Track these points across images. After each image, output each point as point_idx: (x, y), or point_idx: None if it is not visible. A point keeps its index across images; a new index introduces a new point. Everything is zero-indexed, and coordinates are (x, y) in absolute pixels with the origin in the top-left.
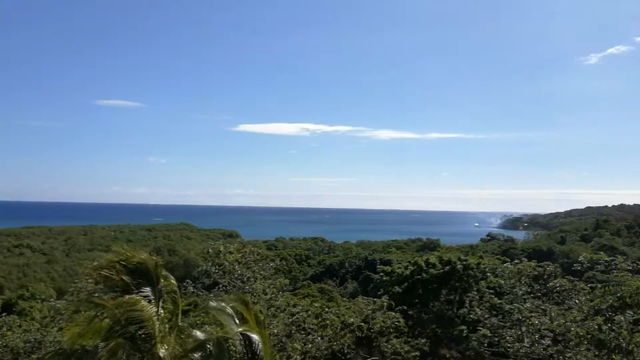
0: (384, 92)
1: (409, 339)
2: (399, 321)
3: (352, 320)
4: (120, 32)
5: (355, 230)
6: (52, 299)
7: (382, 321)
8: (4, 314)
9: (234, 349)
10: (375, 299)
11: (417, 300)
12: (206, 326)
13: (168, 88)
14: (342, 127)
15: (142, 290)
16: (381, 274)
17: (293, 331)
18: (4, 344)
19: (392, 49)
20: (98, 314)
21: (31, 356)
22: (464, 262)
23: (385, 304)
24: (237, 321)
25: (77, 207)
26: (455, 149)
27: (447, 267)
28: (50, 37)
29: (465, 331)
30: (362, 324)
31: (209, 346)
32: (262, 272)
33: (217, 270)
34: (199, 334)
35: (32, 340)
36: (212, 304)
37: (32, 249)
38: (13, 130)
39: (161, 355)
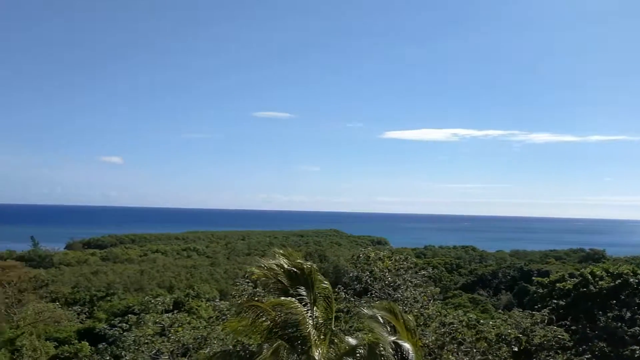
0: (538, 93)
1: (573, 356)
2: (562, 335)
3: (510, 331)
4: (275, 47)
5: (507, 238)
6: (216, 299)
7: (544, 335)
8: (175, 311)
9: (385, 357)
10: (533, 312)
11: (582, 315)
12: (357, 332)
13: (317, 99)
14: (493, 131)
15: (299, 293)
16: (539, 285)
17: (446, 342)
18: (176, 338)
19: (543, 46)
20: (259, 315)
21: (199, 351)
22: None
23: (545, 317)
24: (389, 329)
25: (236, 214)
26: (619, 152)
27: (618, 281)
28: (210, 60)
29: (638, 352)
30: (521, 335)
31: (360, 351)
32: (412, 280)
33: (367, 277)
34: (351, 339)
35: (200, 337)
36: (365, 310)
37: (197, 252)
38: (175, 144)
39: (316, 357)
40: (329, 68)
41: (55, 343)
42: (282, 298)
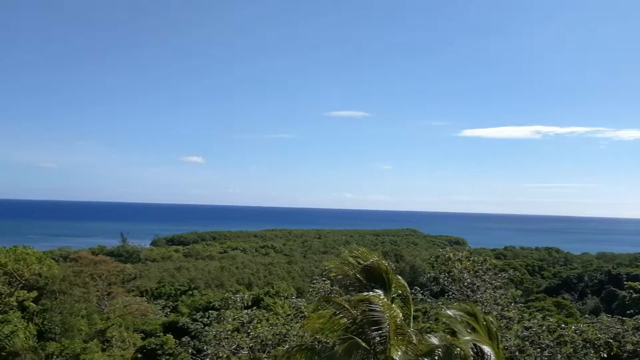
0: (625, 87)
1: None
2: None
3: (600, 335)
4: (350, 47)
5: (593, 240)
6: (293, 297)
7: (637, 341)
8: (254, 308)
9: (463, 359)
10: (623, 318)
11: None
12: (435, 333)
13: (393, 97)
14: (577, 128)
15: (375, 291)
16: (630, 290)
17: (527, 346)
18: (255, 334)
19: (631, 39)
20: (336, 312)
21: (277, 348)
22: None
23: (639, 324)
24: (468, 330)
25: (311, 213)
26: None
27: None
28: (285, 61)
29: None
30: (612, 341)
31: (439, 353)
32: (492, 282)
33: (446, 278)
34: (432, 339)
35: (278, 333)
36: (444, 311)
37: (275, 250)
38: (251, 144)
39: (395, 358)
40: (405, 66)
41: (142, 335)
42: (366, 293)
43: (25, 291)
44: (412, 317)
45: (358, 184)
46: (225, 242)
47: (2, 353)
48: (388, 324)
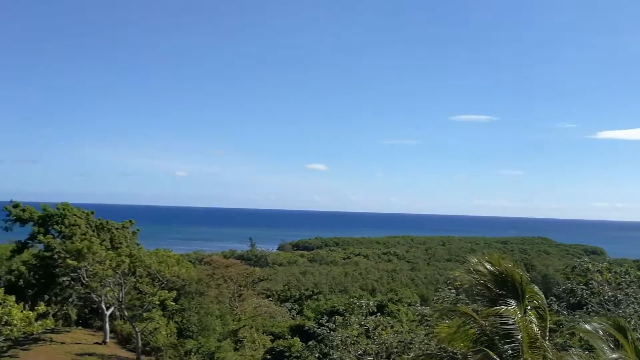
0: None
1: None
2: None
3: None
4: (472, 50)
5: None
6: (417, 304)
7: None
8: (378, 314)
9: None
10: None
11: None
12: (572, 349)
13: (521, 100)
14: None
15: (507, 302)
16: None
17: None
18: (381, 341)
19: None
20: (465, 322)
21: (402, 356)
22: None
23: None
24: (612, 347)
25: (435, 219)
26: None
27: None
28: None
29: None
30: None
31: None
32: (637, 296)
33: (584, 290)
34: (572, 356)
35: (403, 340)
36: (583, 325)
37: (398, 257)
38: (374, 150)
39: None
40: (531, 68)
41: (271, 336)
42: (499, 307)
43: (166, 291)
44: (548, 330)
45: (483, 190)
46: (348, 248)
47: (147, 348)
48: (521, 337)
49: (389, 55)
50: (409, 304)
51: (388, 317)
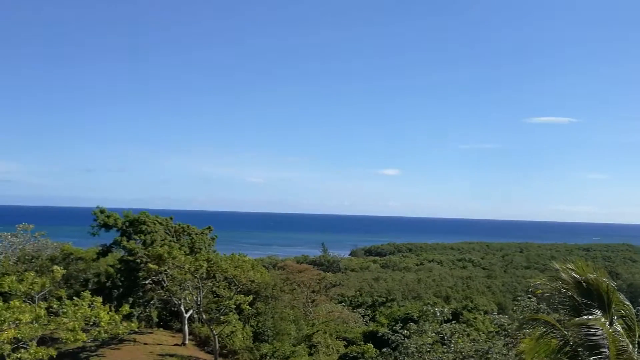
0: None
1: None
2: None
3: None
4: (550, 51)
5: None
6: (494, 313)
7: None
8: (453, 322)
9: None
10: None
11: None
12: None
13: (605, 100)
14: None
15: (592, 311)
16: None
17: None
18: (457, 349)
19: None
20: (547, 332)
21: None
22: None
23: None
24: None
25: (513, 225)
26: None
27: None
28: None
29: None
30: None
31: None
32: None
33: None
34: None
35: (480, 350)
36: None
37: (473, 263)
38: (447, 154)
39: None
40: (612, 68)
41: (344, 342)
42: (584, 316)
43: (242, 295)
44: (637, 342)
45: (564, 195)
46: (421, 254)
47: (224, 350)
48: (609, 349)
49: (463, 58)
50: (485, 312)
51: (464, 325)
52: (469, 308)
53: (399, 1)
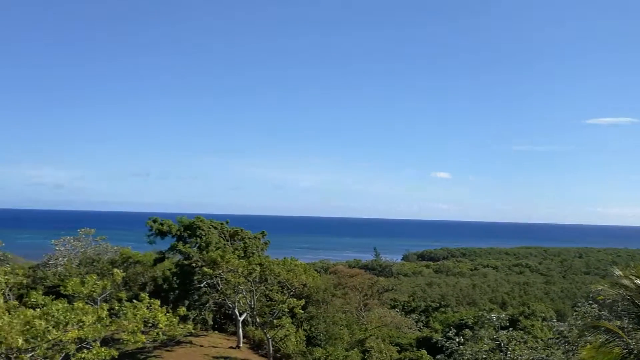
0: None
1: None
2: None
3: None
4: (609, 47)
5: None
6: (552, 320)
7: None
8: (510, 329)
9: None
10: None
11: None
12: None
13: None
14: None
15: None
16: None
17: None
18: (514, 357)
19: None
20: (609, 339)
21: None
22: None
23: None
24: None
25: (571, 229)
26: None
27: None
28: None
29: None
30: None
31: None
32: None
33: None
34: None
35: (538, 358)
36: None
37: (530, 269)
38: (503, 157)
39: None
40: None
41: (397, 348)
42: None
43: (295, 299)
44: None
45: (627, 198)
46: (475, 259)
47: (277, 354)
48: None
49: (518, 57)
50: (544, 319)
51: (521, 332)
52: (526, 314)
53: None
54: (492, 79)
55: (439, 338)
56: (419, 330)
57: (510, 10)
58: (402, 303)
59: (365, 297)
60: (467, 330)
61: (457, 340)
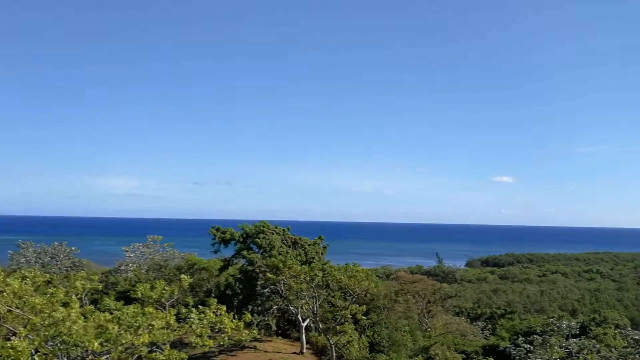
0: None
1: None
2: None
3: None
4: None
5: None
6: (627, 328)
7: None
8: (581, 337)
9: None
10: None
11: None
12: None
13: None
14: None
15: None
16: None
17: None
18: None
19: None
20: None
21: None
22: None
23: None
24: None
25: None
26: None
27: None
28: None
29: None
30: None
31: None
32: None
33: None
34: None
35: None
36: None
37: (601, 275)
38: (568, 159)
39: None
40: None
41: (463, 355)
42: None
43: (357, 305)
44: None
45: None
46: (543, 265)
47: None
48: None
49: (583, 56)
50: (617, 327)
51: (593, 341)
52: (598, 322)
53: None
54: (563, 78)
55: (507, 346)
56: (485, 338)
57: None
58: (466, 310)
59: (429, 304)
60: (536, 336)
61: (525, 347)
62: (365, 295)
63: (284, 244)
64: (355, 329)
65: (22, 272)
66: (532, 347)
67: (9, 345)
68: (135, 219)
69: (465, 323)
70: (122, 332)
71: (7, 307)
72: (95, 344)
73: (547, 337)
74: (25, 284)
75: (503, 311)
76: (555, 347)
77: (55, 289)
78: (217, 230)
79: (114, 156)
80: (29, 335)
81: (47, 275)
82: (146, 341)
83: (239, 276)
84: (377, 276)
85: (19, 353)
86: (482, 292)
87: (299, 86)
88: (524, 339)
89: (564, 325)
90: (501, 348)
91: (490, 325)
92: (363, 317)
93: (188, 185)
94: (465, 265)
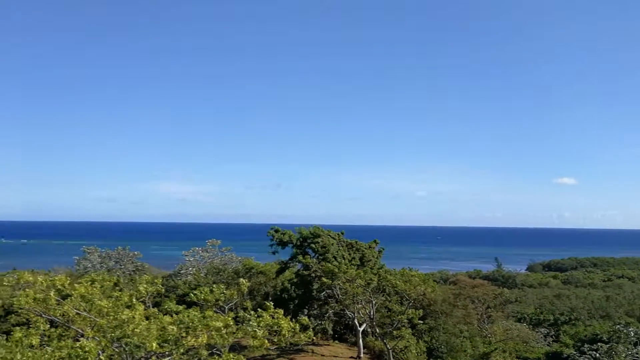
0: None
1: None
2: None
3: None
4: None
5: None
6: None
7: None
8: None
9: None
10: None
11: None
12: None
13: None
14: None
15: None
16: None
17: None
18: None
19: None
20: None
21: None
22: None
23: None
24: None
25: None
26: None
27: None
28: None
29: None
30: None
31: None
32: None
33: None
34: None
35: None
36: None
37: None
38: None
39: None
40: None
41: None
42: None
43: (413, 309)
44: None
45: None
46: (608, 269)
47: None
48: None
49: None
50: None
51: None
52: None
53: None
54: (626, 84)
55: (571, 353)
56: (548, 345)
57: None
58: (528, 316)
59: (489, 309)
60: (601, 344)
61: (591, 355)
62: (422, 300)
63: (340, 247)
64: (413, 334)
65: (91, 275)
66: (598, 355)
67: (78, 345)
68: (185, 224)
69: (527, 329)
70: (183, 333)
71: (76, 310)
72: (154, 344)
73: (614, 344)
74: (94, 287)
75: (567, 317)
76: (623, 355)
77: (120, 292)
78: (276, 231)
79: (167, 164)
80: (95, 337)
81: (115, 278)
82: (204, 342)
83: (295, 280)
84: (434, 281)
85: (87, 353)
86: (544, 298)
87: (356, 89)
88: (589, 346)
89: (631, 332)
90: (565, 355)
91: (553, 332)
92: (420, 321)
93: (239, 190)
94: (526, 270)
